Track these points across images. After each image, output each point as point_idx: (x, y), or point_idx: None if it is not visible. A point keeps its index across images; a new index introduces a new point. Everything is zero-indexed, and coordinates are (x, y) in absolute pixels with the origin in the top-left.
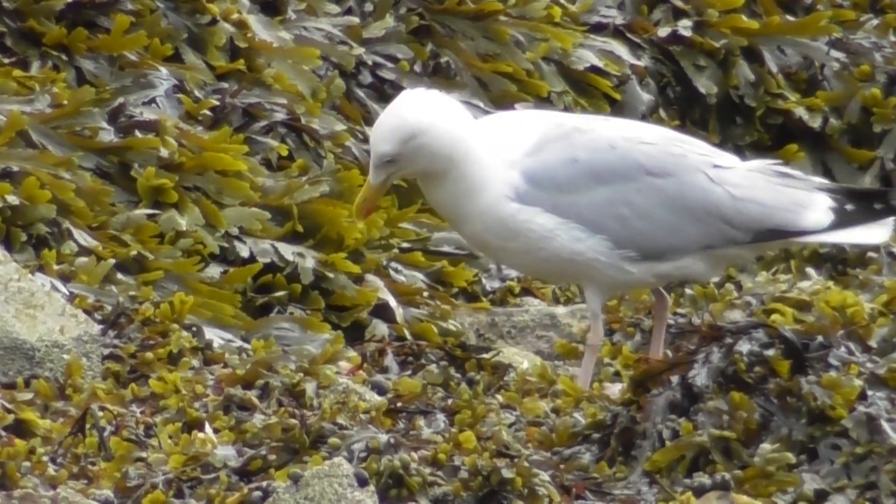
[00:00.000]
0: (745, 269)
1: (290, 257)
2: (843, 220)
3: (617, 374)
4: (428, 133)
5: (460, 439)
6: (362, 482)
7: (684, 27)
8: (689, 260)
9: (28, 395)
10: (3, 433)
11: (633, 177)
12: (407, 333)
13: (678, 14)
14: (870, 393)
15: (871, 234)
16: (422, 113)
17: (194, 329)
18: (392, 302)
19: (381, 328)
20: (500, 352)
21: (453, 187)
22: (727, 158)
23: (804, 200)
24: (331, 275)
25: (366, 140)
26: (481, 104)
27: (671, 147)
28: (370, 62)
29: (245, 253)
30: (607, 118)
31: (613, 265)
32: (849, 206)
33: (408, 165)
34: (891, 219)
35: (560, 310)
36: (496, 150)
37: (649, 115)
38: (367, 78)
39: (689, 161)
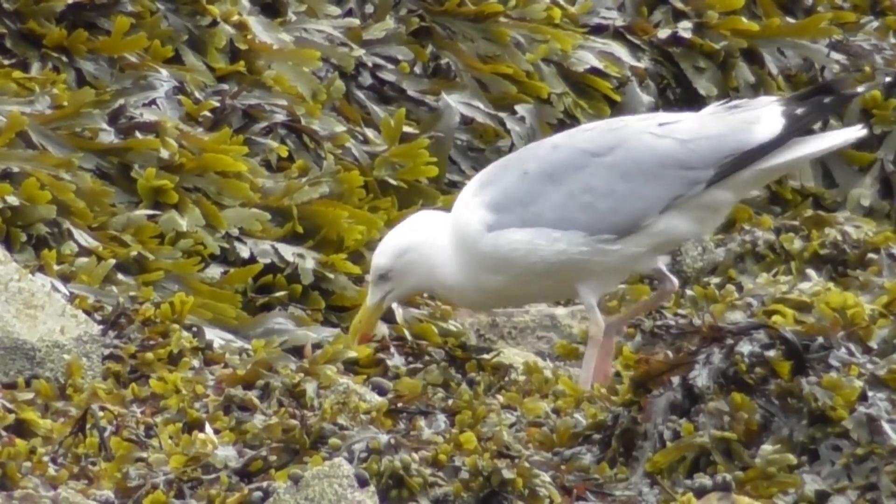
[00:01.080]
0: (745, 271)
1: (290, 258)
2: (794, 122)
3: (617, 374)
4: (415, 250)
5: (461, 440)
6: (363, 483)
7: (684, 29)
8: (667, 220)
9: (28, 395)
10: (4, 433)
11: (582, 164)
12: (407, 334)
13: (678, 16)
14: (870, 394)
15: (835, 137)
16: (415, 232)
17: (195, 329)
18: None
19: (381, 329)
20: (501, 352)
21: (452, 282)
22: (675, 115)
23: (751, 118)
24: (331, 275)
25: (366, 141)
26: (481, 106)
27: (610, 125)
28: (370, 64)
29: (245, 253)
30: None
31: (597, 250)
32: (799, 110)
33: (402, 281)
34: (856, 127)
35: (560, 311)
36: (456, 214)
37: None
38: (367, 79)
39: (629, 129)
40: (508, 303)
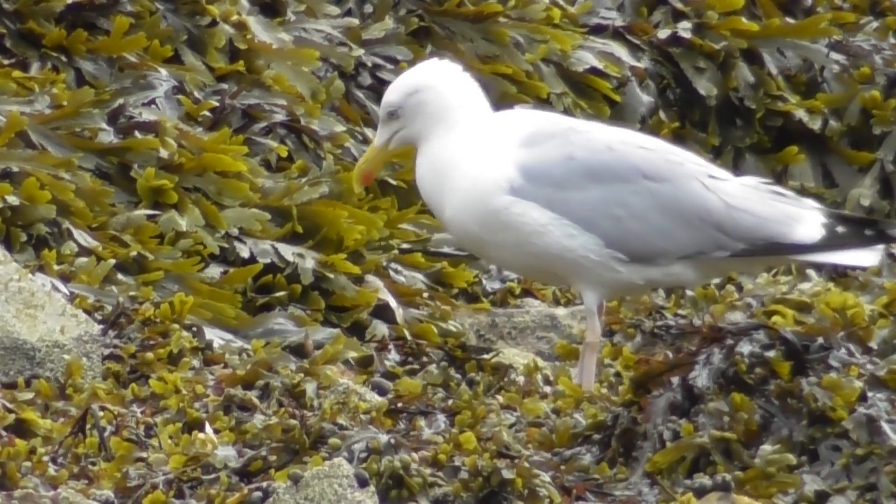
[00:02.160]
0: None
1: (290, 258)
2: (833, 239)
3: (617, 374)
4: (429, 90)
5: (461, 440)
6: (362, 483)
7: (684, 29)
8: (680, 267)
9: (28, 395)
10: (4, 433)
11: (630, 179)
12: (407, 334)
13: (678, 16)
14: (870, 394)
15: (861, 256)
16: (430, 74)
17: (194, 329)
18: (392, 302)
19: (381, 329)
20: (501, 353)
21: (442, 157)
22: (722, 172)
23: (796, 215)
24: (331, 275)
25: (365, 141)
26: None
27: (668, 154)
28: (370, 63)
29: (245, 253)
30: (604, 125)
31: (603, 264)
32: (840, 229)
33: (409, 122)
34: (875, 254)
35: (560, 311)
36: (490, 137)
37: (649, 117)
38: (366, 79)
39: (685, 168)
40: (480, 253)
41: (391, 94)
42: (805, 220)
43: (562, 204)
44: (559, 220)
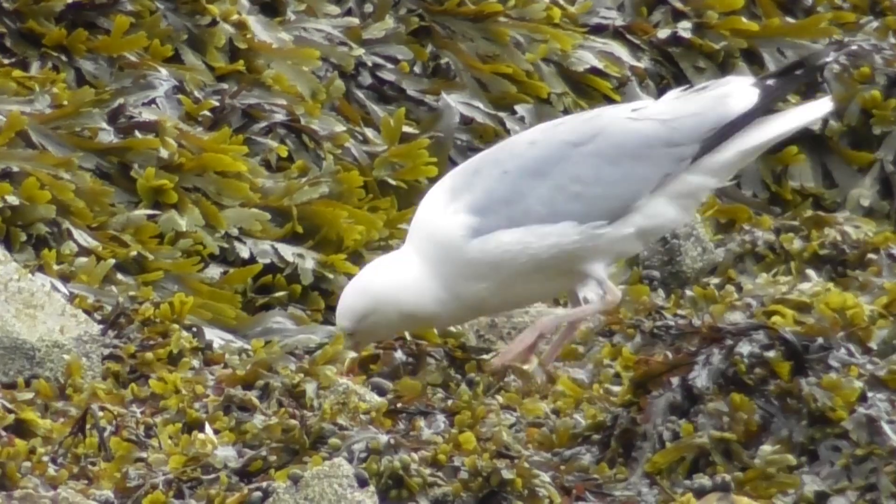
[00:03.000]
0: (744, 271)
1: (290, 258)
2: (769, 93)
3: (617, 375)
4: (378, 313)
5: (460, 440)
6: (362, 483)
7: (684, 29)
8: (656, 204)
9: (28, 395)
10: (4, 433)
11: (565, 155)
12: (407, 334)
13: (678, 16)
14: (870, 395)
15: (812, 108)
16: (374, 296)
17: (194, 329)
18: None
19: None
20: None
21: (431, 310)
22: (641, 102)
23: (724, 93)
24: (331, 275)
25: (366, 141)
26: (481, 106)
27: (583, 115)
28: (370, 63)
29: (245, 254)
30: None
31: (589, 238)
32: (770, 81)
33: (370, 335)
34: (825, 99)
35: (560, 311)
36: (425, 231)
37: None
38: (366, 79)
39: (605, 116)
40: (490, 311)
41: (343, 321)
42: (734, 93)
43: (523, 214)
44: (529, 229)
